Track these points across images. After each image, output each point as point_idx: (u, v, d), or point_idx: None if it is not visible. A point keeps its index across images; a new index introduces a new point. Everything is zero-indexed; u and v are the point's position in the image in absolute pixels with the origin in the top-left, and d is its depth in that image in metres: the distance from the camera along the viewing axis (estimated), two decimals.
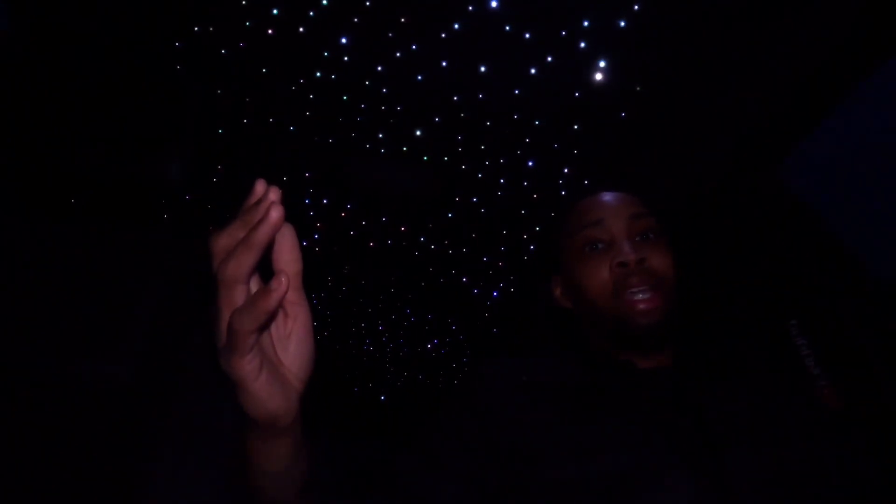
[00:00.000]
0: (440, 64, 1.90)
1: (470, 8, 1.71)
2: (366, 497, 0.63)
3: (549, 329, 0.95)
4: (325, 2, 1.73)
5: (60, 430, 1.66)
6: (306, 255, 0.46)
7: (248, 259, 0.39)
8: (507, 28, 1.76)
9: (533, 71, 1.89)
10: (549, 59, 1.84)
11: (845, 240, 1.44)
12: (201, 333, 2.08)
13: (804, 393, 0.71)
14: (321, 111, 2.11)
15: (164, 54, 1.92)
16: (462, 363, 3.67)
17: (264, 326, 0.41)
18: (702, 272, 1.79)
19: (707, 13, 1.57)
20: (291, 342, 0.45)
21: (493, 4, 1.70)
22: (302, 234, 2.26)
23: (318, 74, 1.97)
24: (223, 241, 0.41)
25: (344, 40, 1.85)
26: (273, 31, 1.82)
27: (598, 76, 1.86)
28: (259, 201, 0.41)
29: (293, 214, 0.39)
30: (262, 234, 0.39)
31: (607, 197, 0.81)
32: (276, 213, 0.39)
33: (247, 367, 0.41)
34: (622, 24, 1.69)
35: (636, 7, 1.64)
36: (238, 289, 0.40)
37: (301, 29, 1.81)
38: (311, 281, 2.72)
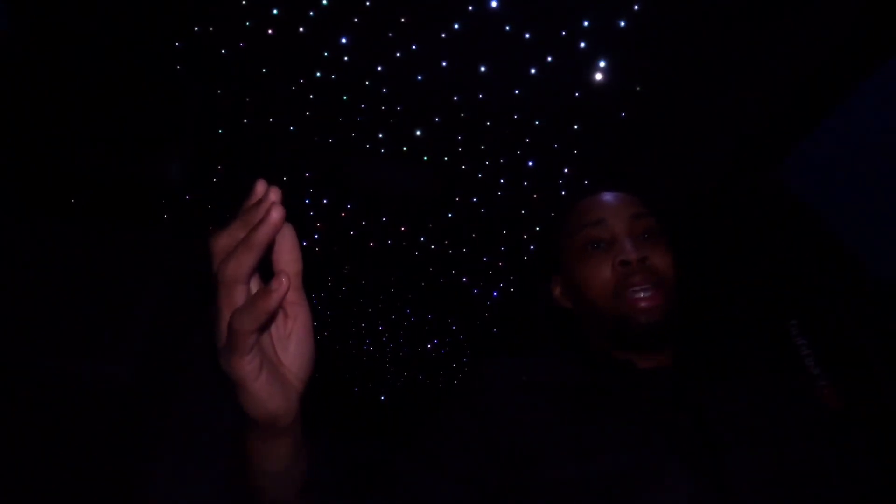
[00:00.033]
0: (440, 64, 1.90)
1: (470, 8, 1.71)
2: (366, 497, 0.64)
3: (549, 329, 0.95)
4: (325, 2, 1.73)
5: (60, 430, 1.66)
6: (306, 255, 0.46)
7: (248, 259, 0.39)
8: (507, 28, 1.75)
9: (533, 71, 1.88)
10: (549, 59, 1.84)
11: (845, 240, 1.44)
12: (201, 333, 2.08)
13: (804, 393, 0.72)
14: (321, 111, 2.11)
15: (164, 54, 1.92)
16: (462, 363, 3.67)
17: (264, 326, 0.41)
18: (702, 272, 1.79)
19: (707, 13, 1.57)
20: (291, 342, 0.45)
21: (493, 4, 1.70)
22: (302, 234, 2.26)
23: (318, 74, 1.97)
24: (223, 242, 0.41)
25: (344, 40, 1.84)
26: (273, 31, 1.82)
27: (598, 76, 1.86)
28: (259, 201, 0.41)
29: (293, 214, 0.39)
30: (263, 234, 0.39)
31: (608, 197, 0.81)
32: (276, 214, 0.39)
33: (247, 367, 0.41)
34: (622, 24, 1.69)
35: (636, 7, 1.63)
36: (238, 289, 0.40)
37: (301, 29, 1.81)
38: (311, 281, 2.71)
